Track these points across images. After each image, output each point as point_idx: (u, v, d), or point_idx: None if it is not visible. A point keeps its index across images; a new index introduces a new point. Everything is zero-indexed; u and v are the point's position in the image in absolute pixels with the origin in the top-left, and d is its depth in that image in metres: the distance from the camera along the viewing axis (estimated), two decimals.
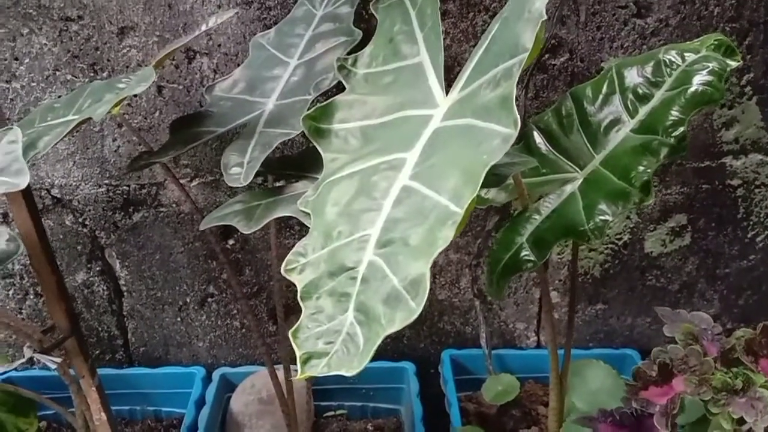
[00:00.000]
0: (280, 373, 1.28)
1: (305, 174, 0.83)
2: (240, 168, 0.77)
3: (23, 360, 0.93)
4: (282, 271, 0.66)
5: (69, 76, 1.11)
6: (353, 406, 1.33)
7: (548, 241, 0.81)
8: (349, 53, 0.90)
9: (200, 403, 1.23)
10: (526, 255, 0.82)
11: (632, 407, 0.74)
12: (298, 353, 0.59)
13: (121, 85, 0.90)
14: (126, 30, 1.08)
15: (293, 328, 0.61)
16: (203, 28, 0.78)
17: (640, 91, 0.83)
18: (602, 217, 0.78)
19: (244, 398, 1.24)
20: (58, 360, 0.92)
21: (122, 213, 1.22)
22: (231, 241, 1.25)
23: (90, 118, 0.77)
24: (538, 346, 1.39)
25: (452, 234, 0.57)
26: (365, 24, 1.06)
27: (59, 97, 1.12)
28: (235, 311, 1.32)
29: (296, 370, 0.59)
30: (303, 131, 0.79)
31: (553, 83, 1.14)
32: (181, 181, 1.20)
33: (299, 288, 0.64)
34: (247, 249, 1.26)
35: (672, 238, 1.29)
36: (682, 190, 1.25)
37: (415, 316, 0.55)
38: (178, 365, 1.35)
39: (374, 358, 1.33)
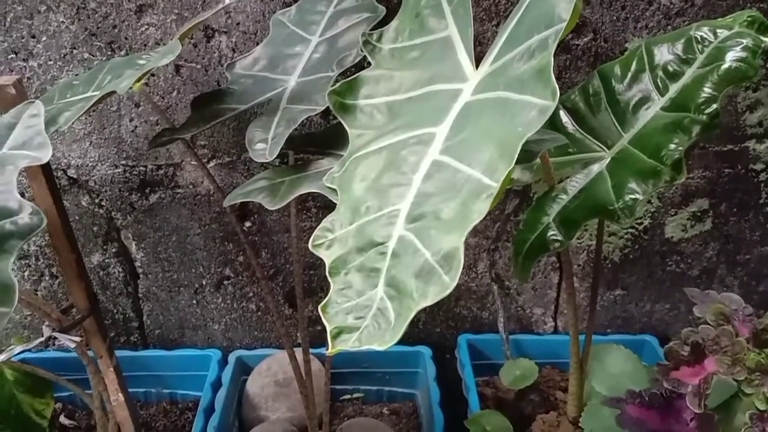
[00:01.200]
0: (298, 356, 1.27)
1: (329, 151, 0.81)
2: (264, 144, 0.76)
3: (42, 339, 0.92)
4: (310, 247, 0.65)
5: (86, 55, 1.10)
6: (369, 389, 1.32)
7: (576, 220, 0.80)
8: (372, 29, 0.88)
9: (216, 385, 1.22)
10: (553, 235, 0.80)
11: (661, 388, 0.73)
12: (328, 327, 0.58)
13: (141, 62, 0.89)
14: (144, 8, 1.06)
15: (323, 302, 0.60)
16: (224, 2, 0.77)
17: (671, 69, 0.82)
18: (632, 196, 0.77)
19: (260, 381, 1.24)
20: (78, 339, 0.92)
21: (139, 194, 1.21)
22: (247, 224, 1.24)
23: (113, 92, 0.76)
24: (555, 331, 1.37)
25: (487, 207, 0.56)
26: (385, 1, 1.04)
27: (76, 75, 1.11)
28: (251, 294, 1.31)
29: (322, 351, 0.58)
30: (327, 107, 0.79)
31: (576, 63, 1.12)
32: (197, 163, 1.18)
33: (327, 263, 0.63)
34: (263, 231, 1.25)
35: (693, 223, 1.27)
36: (704, 174, 1.23)
37: (449, 290, 0.54)
38: (193, 348, 1.35)
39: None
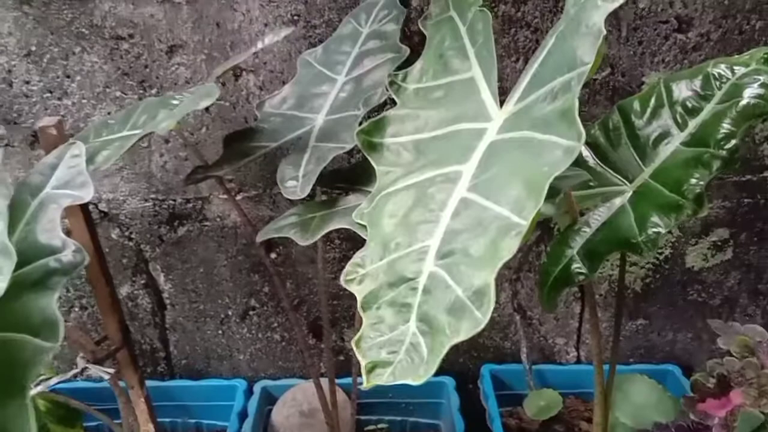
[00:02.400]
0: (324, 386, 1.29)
1: (356, 187, 0.84)
2: (296, 181, 0.79)
3: (77, 370, 0.95)
4: (342, 282, 0.67)
5: (118, 93, 1.14)
6: (393, 420, 1.33)
7: (600, 253, 0.82)
8: (397, 69, 0.91)
9: (243, 415, 1.23)
10: (577, 267, 0.82)
11: (688, 420, 0.74)
12: (362, 362, 0.60)
13: (174, 101, 0.93)
14: (175, 48, 1.10)
15: (356, 336, 0.62)
16: (259, 45, 0.80)
17: (690, 105, 0.84)
18: (655, 229, 0.78)
19: (285, 411, 1.25)
20: (111, 371, 0.94)
21: (167, 227, 1.24)
22: (273, 255, 1.27)
23: (152, 132, 0.79)
24: (578, 361, 1.38)
25: (516, 245, 0.58)
26: (407, 41, 1.07)
27: (108, 113, 1.15)
28: (275, 324, 1.33)
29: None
30: (354, 146, 0.81)
31: (595, 97, 1.14)
32: (225, 196, 1.22)
33: (359, 298, 0.65)
34: (288, 263, 1.28)
35: (714, 253, 1.28)
36: (723, 204, 1.24)
37: (482, 326, 0.56)
38: (218, 378, 1.36)
39: None
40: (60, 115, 1.15)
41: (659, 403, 1.09)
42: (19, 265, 0.66)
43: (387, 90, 0.89)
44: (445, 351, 0.57)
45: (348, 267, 0.68)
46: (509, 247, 0.58)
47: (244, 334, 1.34)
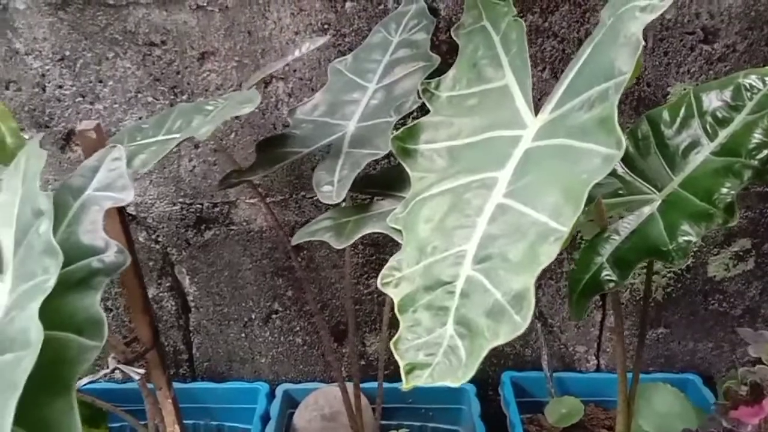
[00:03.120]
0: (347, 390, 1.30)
1: (388, 192, 0.85)
2: (331, 186, 0.80)
3: (108, 371, 0.96)
4: (378, 285, 0.68)
5: (150, 99, 1.16)
6: (413, 425, 1.33)
7: (630, 261, 0.82)
8: (427, 77, 0.93)
9: (265, 418, 1.25)
10: (607, 275, 0.83)
11: (720, 428, 0.74)
12: (401, 363, 0.61)
13: (209, 107, 0.95)
14: (206, 55, 1.12)
15: (394, 338, 0.63)
16: (296, 53, 0.82)
17: (720, 115, 0.85)
18: (685, 238, 0.79)
19: (307, 414, 1.26)
20: (142, 372, 0.95)
21: (194, 230, 1.25)
22: (297, 259, 1.28)
23: (185, 138, 0.80)
24: (598, 369, 1.38)
25: (556, 250, 0.59)
26: (435, 50, 1.08)
27: (140, 118, 1.17)
28: (298, 328, 1.34)
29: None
30: (387, 152, 0.83)
31: (620, 107, 1.14)
32: (253, 200, 1.23)
33: (395, 301, 0.66)
34: (311, 267, 1.29)
35: (735, 263, 1.28)
36: (746, 214, 1.24)
37: (521, 330, 0.57)
38: (240, 380, 1.37)
39: None
40: (92, 119, 1.17)
41: (682, 412, 1.10)
42: (63, 265, 0.68)
43: (419, 98, 0.91)
44: (484, 354, 0.58)
45: (384, 270, 0.69)
46: (548, 253, 0.59)
47: (266, 337, 1.35)
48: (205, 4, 1.08)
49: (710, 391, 1.27)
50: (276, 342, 1.35)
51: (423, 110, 0.85)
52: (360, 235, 0.77)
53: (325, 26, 1.10)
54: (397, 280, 0.68)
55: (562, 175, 0.64)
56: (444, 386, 1.31)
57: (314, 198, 1.23)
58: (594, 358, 1.37)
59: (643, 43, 0.62)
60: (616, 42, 0.66)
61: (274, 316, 1.33)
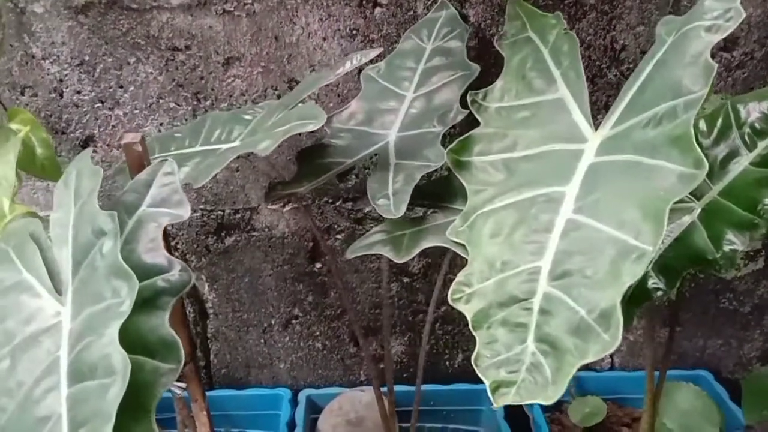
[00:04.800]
0: (366, 395, 1.30)
1: (440, 204, 0.85)
2: (386, 199, 0.80)
3: None
4: (449, 300, 0.69)
5: (172, 105, 1.13)
6: (434, 427, 1.34)
7: (676, 269, 0.84)
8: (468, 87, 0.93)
9: (291, 425, 1.24)
10: (654, 284, 0.84)
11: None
12: (486, 381, 0.61)
13: (247, 117, 0.94)
14: (232, 60, 1.11)
15: (474, 354, 0.64)
16: (347, 65, 0.81)
17: (758, 126, 0.87)
18: (731, 247, 0.81)
19: (332, 420, 1.26)
20: (183, 385, 0.94)
21: (215, 237, 1.24)
22: (318, 265, 1.28)
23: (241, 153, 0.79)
24: (612, 368, 1.41)
25: (639, 269, 0.60)
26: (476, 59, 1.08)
27: (161, 124, 1.15)
28: (317, 333, 1.34)
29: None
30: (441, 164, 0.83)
31: None
32: (274, 207, 1.22)
33: (469, 317, 0.67)
34: (332, 272, 1.28)
35: (746, 262, 1.32)
36: None
37: (612, 349, 0.58)
38: (258, 387, 1.37)
39: (453, 379, 1.36)
40: (111, 125, 1.15)
41: (705, 409, 1.13)
42: None
43: (462, 107, 0.91)
44: (573, 371, 0.59)
45: (453, 286, 0.69)
46: (632, 272, 0.60)
47: (285, 342, 1.34)
48: (232, 9, 1.07)
49: (723, 388, 1.31)
50: (295, 347, 1.35)
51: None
52: (420, 249, 0.77)
53: (354, 32, 1.09)
54: (467, 296, 0.68)
55: (636, 191, 0.65)
56: (464, 387, 1.32)
57: (337, 204, 1.23)
58: (608, 356, 1.40)
59: (715, 65, 0.63)
60: (682, 61, 0.68)
61: (293, 321, 1.33)
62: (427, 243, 0.77)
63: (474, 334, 0.66)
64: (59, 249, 0.72)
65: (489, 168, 0.78)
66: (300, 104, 0.80)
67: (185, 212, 0.74)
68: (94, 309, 0.64)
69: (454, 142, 0.80)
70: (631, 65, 1.13)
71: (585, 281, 0.62)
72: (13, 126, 0.95)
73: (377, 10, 1.08)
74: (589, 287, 0.61)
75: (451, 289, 0.69)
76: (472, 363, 0.63)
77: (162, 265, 0.70)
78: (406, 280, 1.30)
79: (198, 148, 0.91)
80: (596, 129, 0.75)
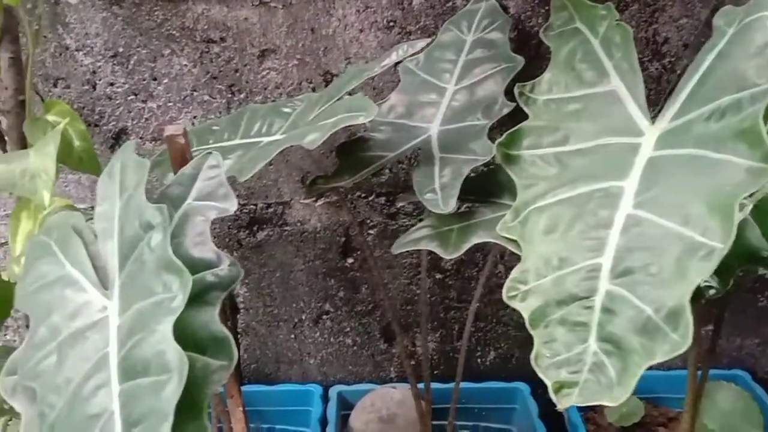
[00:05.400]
0: (398, 392, 1.29)
1: (487, 199, 0.83)
2: (433, 194, 0.78)
3: None
4: (504, 298, 0.67)
5: (206, 97, 1.12)
6: (465, 425, 1.33)
7: (729, 266, 0.81)
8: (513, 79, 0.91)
9: (323, 421, 1.23)
10: (707, 282, 0.82)
11: None
12: (548, 382, 0.60)
13: (286, 110, 0.93)
14: (267, 53, 1.09)
15: (533, 353, 0.62)
16: (393, 57, 0.79)
17: None
18: None
19: (364, 417, 1.25)
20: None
21: (247, 231, 1.23)
22: (350, 260, 1.26)
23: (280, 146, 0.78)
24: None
25: (708, 267, 0.58)
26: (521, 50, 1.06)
27: (194, 117, 1.13)
28: (348, 329, 1.33)
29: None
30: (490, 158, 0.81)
31: None
32: (307, 201, 1.21)
33: (525, 315, 0.65)
34: (364, 268, 1.27)
35: None
36: None
37: (682, 349, 0.56)
38: (287, 382, 1.36)
39: (484, 377, 1.34)
40: (144, 118, 1.14)
41: (746, 410, 1.11)
42: None
43: (507, 100, 0.89)
44: (640, 372, 0.57)
45: (508, 283, 0.68)
46: (700, 269, 0.58)
47: (316, 338, 1.33)
48: (268, 0, 1.05)
49: (761, 388, 1.29)
50: (326, 343, 1.34)
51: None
52: (469, 245, 0.75)
53: (391, 23, 1.07)
54: (523, 294, 0.67)
55: (700, 186, 0.63)
56: (497, 385, 1.30)
57: (370, 198, 1.21)
58: None
59: None
60: (746, 52, 0.66)
61: (324, 316, 1.31)
62: (477, 239, 0.75)
63: (531, 332, 0.64)
64: (104, 243, 0.71)
65: (539, 162, 0.76)
66: (347, 96, 0.78)
67: (232, 206, 0.72)
68: (144, 304, 0.62)
69: (503, 135, 0.78)
70: (673, 58, 1.11)
71: (650, 279, 0.60)
72: (50, 118, 0.94)
73: (415, 1, 1.06)
74: (654, 285, 0.60)
75: (505, 286, 0.67)
76: (532, 362, 0.61)
77: (211, 260, 0.69)
78: (438, 276, 1.28)
79: (238, 141, 0.89)
80: (652, 122, 0.73)
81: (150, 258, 0.65)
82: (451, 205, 0.76)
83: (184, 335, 0.63)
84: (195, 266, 0.68)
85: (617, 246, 0.64)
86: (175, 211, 0.73)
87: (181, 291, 0.60)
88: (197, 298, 0.67)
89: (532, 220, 0.71)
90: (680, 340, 0.56)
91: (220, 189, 0.73)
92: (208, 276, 0.68)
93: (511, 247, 0.72)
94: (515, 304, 0.66)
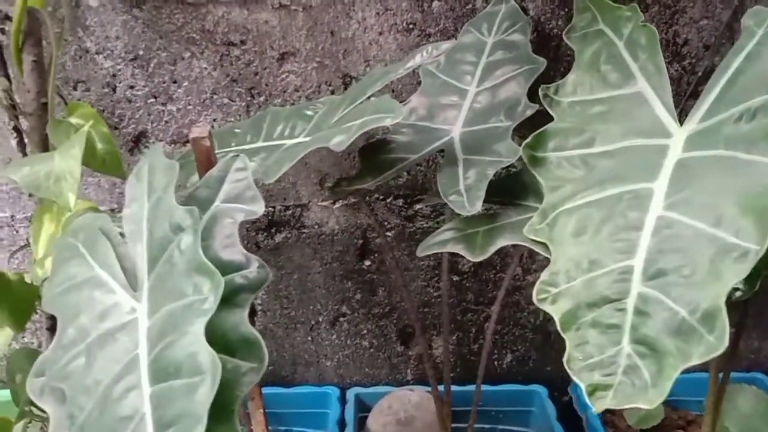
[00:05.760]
0: (415, 394, 1.28)
1: (512, 201, 0.83)
2: (458, 195, 0.78)
3: None
4: (534, 301, 0.67)
5: (226, 100, 1.12)
6: (483, 428, 1.32)
7: (759, 268, 0.81)
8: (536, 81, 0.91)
9: (341, 423, 1.23)
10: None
11: None
12: (582, 385, 0.59)
13: (308, 112, 0.93)
14: (287, 55, 1.09)
15: (566, 356, 0.62)
16: (418, 58, 0.79)
17: None
18: None
19: (382, 419, 1.25)
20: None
21: (265, 234, 1.23)
22: (367, 263, 1.26)
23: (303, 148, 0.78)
24: None
25: (743, 268, 0.58)
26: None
27: (214, 120, 1.14)
28: (365, 331, 1.32)
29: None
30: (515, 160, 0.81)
31: None
32: (324, 204, 1.21)
33: (556, 318, 0.65)
34: (381, 270, 1.27)
35: None
36: None
37: (718, 351, 0.56)
38: (306, 385, 1.35)
39: (501, 380, 1.33)
40: (164, 120, 1.14)
41: (766, 412, 1.10)
42: None
43: (530, 102, 0.89)
44: (676, 374, 0.57)
45: (539, 285, 0.67)
46: (735, 271, 0.58)
47: (333, 340, 1.33)
48: (288, 3, 1.05)
49: None
50: (342, 345, 1.34)
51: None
52: (496, 248, 0.75)
53: (410, 26, 1.07)
54: (553, 297, 0.66)
55: (732, 188, 0.63)
56: (514, 388, 1.30)
57: (387, 201, 1.21)
58: None
59: None
60: None
61: (341, 319, 1.31)
62: (504, 241, 0.75)
63: (562, 335, 0.64)
64: (133, 244, 0.71)
65: (565, 164, 0.76)
66: (372, 98, 0.78)
67: (259, 208, 0.72)
68: (174, 306, 0.62)
69: (529, 137, 0.78)
70: (693, 60, 1.10)
71: (683, 281, 0.60)
72: (73, 120, 0.95)
73: (435, 3, 1.06)
74: (688, 287, 0.59)
75: (535, 289, 0.67)
76: (565, 365, 0.61)
77: (240, 262, 0.69)
78: (455, 278, 1.28)
79: (261, 144, 0.89)
80: (680, 124, 0.72)
81: (180, 260, 0.65)
82: (477, 207, 0.75)
83: (214, 337, 0.63)
84: (224, 268, 0.68)
85: (648, 248, 0.64)
86: (202, 214, 0.73)
87: (213, 293, 0.60)
88: (227, 300, 0.66)
89: (561, 222, 0.71)
90: (716, 342, 0.55)
91: (248, 191, 0.73)
92: (237, 278, 0.68)
93: (538, 250, 0.72)
94: (545, 307, 0.66)
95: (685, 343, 0.57)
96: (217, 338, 0.64)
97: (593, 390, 0.59)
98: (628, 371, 0.59)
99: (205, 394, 0.54)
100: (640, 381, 0.58)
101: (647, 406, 0.56)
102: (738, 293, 0.82)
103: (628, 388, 0.58)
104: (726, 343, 0.55)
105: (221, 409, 0.60)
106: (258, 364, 0.63)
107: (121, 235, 0.74)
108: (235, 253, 0.69)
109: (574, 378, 0.60)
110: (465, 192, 0.78)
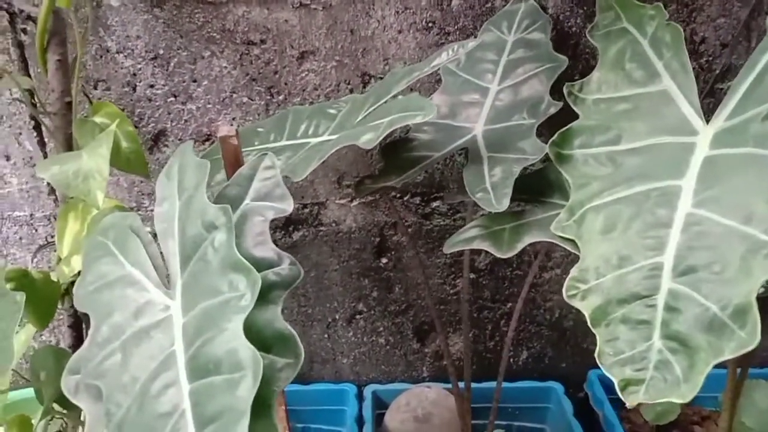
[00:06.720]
0: (432, 391, 1.29)
1: (538, 198, 0.84)
2: (485, 193, 0.79)
3: None
4: (564, 297, 0.67)
5: (245, 99, 1.13)
6: (499, 424, 1.33)
7: None
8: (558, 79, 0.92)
9: (360, 420, 1.24)
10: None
11: None
12: (614, 380, 0.60)
13: (331, 111, 0.93)
14: (306, 54, 1.10)
15: (597, 351, 0.63)
16: (444, 57, 0.80)
17: None
18: None
19: (399, 416, 1.25)
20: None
21: (283, 232, 1.23)
22: (384, 260, 1.27)
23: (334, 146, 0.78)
24: None
25: None
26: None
27: (233, 119, 1.14)
28: (381, 328, 1.33)
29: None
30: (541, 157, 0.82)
31: None
32: (342, 201, 1.22)
33: (586, 314, 0.66)
34: (398, 268, 1.28)
35: None
36: None
37: (750, 347, 0.57)
38: (323, 382, 1.36)
39: (516, 377, 1.34)
40: (183, 119, 1.15)
41: None
42: None
43: (553, 99, 0.90)
44: (708, 369, 0.58)
45: (568, 282, 0.68)
46: (765, 267, 0.59)
47: (349, 337, 1.34)
48: (308, 2, 1.06)
49: None
50: (359, 342, 1.34)
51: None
52: (524, 245, 0.76)
53: (430, 24, 1.08)
54: (583, 293, 0.67)
55: (760, 185, 0.63)
56: (531, 385, 1.30)
57: (404, 198, 1.22)
58: None
59: None
60: None
61: (358, 316, 1.32)
62: (531, 238, 0.76)
63: (593, 331, 0.64)
64: (164, 242, 0.72)
65: (592, 161, 0.77)
66: (399, 96, 0.79)
67: (289, 206, 0.73)
68: (210, 303, 0.63)
69: (555, 135, 0.78)
70: (710, 58, 1.11)
71: (714, 277, 0.61)
72: (98, 119, 0.95)
73: (454, 2, 1.07)
74: (719, 283, 0.60)
75: (565, 285, 0.68)
76: (597, 360, 0.62)
77: (272, 259, 0.70)
78: (472, 276, 1.28)
79: (285, 143, 0.90)
80: (707, 122, 0.73)
81: (214, 258, 0.66)
82: (505, 204, 0.76)
83: (249, 334, 0.64)
84: (257, 265, 0.68)
85: (678, 244, 0.64)
86: (233, 212, 0.73)
87: (250, 289, 0.61)
88: (260, 297, 0.67)
89: (589, 219, 0.71)
90: (747, 337, 0.56)
91: (277, 189, 0.74)
92: (270, 275, 0.69)
93: (567, 246, 0.73)
94: (575, 303, 0.67)
95: (717, 339, 0.58)
96: (252, 335, 0.64)
97: (625, 385, 0.59)
98: (659, 366, 0.59)
99: (247, 390, 0.55)
100: (672, 376, 0.58)
101: (680, 400, 0.57)
102: (761, 290, 0.83)
103: (660, 383, 0.59)
104: (758, 338, 0.56)
105: (260, 404, 0.61)
106: (294, 359, 0.64)
107: (151, 233, 0.75)
108: (267, 250, 0.70)
109: (606, 373, 0.61)
110: (492, 189, 0.78)
